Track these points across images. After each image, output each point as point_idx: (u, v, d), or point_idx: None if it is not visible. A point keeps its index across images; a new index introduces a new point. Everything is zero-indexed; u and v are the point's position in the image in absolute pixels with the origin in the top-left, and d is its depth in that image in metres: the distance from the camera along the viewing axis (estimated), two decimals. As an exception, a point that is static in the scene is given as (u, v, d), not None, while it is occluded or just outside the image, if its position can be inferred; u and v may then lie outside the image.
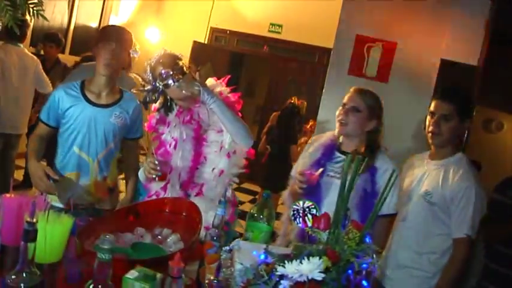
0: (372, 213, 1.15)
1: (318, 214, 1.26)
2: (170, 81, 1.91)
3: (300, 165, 2.10)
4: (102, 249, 1.13)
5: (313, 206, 1.28)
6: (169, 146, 2.03)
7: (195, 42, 7.28)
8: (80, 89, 2.19)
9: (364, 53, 3.64)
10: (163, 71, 1.91)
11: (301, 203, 1.30)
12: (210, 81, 2.09)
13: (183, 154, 2.02)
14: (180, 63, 1.95)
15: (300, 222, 1.28)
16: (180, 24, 7.77)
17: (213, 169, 2.01)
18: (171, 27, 7.81)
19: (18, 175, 4.91)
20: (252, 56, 8.72)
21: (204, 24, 7.83)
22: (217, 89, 2.04)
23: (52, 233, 1.27)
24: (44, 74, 4.08)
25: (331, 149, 2.05)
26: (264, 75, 8.63)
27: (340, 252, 1.13)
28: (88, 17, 6.79)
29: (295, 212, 1.30)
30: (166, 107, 2.03)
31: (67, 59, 5.72)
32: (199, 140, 2.05)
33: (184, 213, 1.75)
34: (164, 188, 2.01)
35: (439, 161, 2.16)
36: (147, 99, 1.98)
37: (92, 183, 2.22)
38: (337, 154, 2.03)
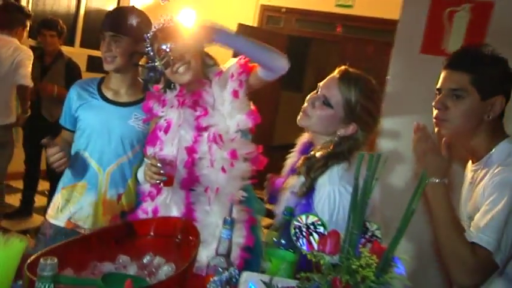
0: (397, 234, 1.04)
1: (326, 232, 1.17)
2: (168, 61, 1.95)
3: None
4: (42, 277, 1.11)
5: (319, 222, 1.19)
6: (160, 131, 2.05)
7: (240, 25, 7.23)
8: (97, 86, 2.32)
9: (443, 22, 3.34)
10: (162, 47, 1.95)
11: (303, 218, 1.21)
12: (232, 61, 2.10)
13: (180, 142, 2.01)
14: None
15: (303, 244, 1.19)
16: (221, 3, 7.79)
17: (206, 188, 1.98)
18: (210, 7, 7.83)
19: (15, 200, 5.08)
20: (319, 41, 8.60)
21: (252, 2, 7.86)
22: (231, 70, 2.04)
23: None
24: (26, 65, 4.18)
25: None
26: (335, 64, 8.44)
27: (353, 284, 1.04)
28: (103, -2, 6.85)
29: (297, 230, 1.21)
30: (167, 87, 2.08)
31: (77, 53, 5.89)
32: (202, 130, 2.02)
33: (179, 237, 1.71)
34: (157, 187, 2.01)
35: (477, 163, 1.83)
36: (147, 78, 2.04)
37: (100, 202, 2.26)
38: None
